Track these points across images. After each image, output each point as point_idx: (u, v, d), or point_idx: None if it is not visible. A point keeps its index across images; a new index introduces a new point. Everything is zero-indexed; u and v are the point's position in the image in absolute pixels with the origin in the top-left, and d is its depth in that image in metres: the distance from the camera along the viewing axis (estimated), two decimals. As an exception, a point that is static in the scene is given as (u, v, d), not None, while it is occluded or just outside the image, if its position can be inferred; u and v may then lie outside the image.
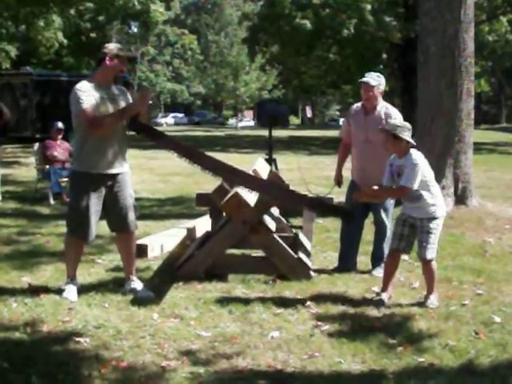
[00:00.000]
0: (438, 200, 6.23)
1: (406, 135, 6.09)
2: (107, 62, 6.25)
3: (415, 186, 6.03)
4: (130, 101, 6.44)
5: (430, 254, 6.15)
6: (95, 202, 6.25)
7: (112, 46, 6.38)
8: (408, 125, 6.22)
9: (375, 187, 6.29)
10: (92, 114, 6.08)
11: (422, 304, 6.14)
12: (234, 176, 6.62)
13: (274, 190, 6.86)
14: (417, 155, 6.13)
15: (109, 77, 6.36)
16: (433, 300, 6.16)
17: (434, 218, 6.16)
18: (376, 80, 7.29)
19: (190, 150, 6.60)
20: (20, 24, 33.45)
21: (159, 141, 6.53)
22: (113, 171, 6.31)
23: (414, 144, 6.18)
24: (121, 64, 6.35)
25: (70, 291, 6.27)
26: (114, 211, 6.40)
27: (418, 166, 6.04)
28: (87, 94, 6.13)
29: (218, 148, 29.99)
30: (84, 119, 6.09)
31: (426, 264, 6.21)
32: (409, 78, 30.91)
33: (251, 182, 6.72)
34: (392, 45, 36.23)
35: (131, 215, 6.49)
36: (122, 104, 6.33)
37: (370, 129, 7.26)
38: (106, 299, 6.20)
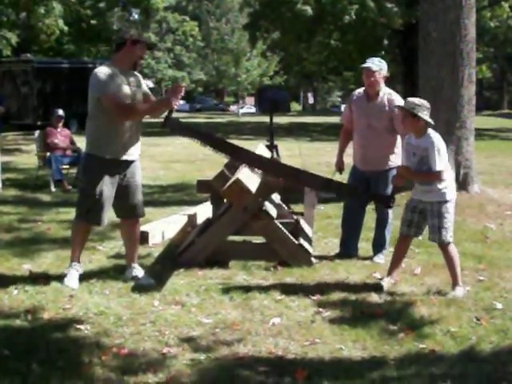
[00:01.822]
0: (449, 182, 6.19)
1: (425, 114, 6.03)
2: (128, 48, 6.23)
3: (444, 167, 6.02)
4: (145, 87, 6.44)
5: (448, 237, 6.11)
6: (109, 188, 6.25)
7: (133, 32, 6.36)
8: (427, 103, 6.13)
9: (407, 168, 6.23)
10: (118, 100, 6.08)
11: (443, 293, 6.09)
12: (276, 170, 6.90)
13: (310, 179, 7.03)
14: (435, 136, 6.08)
15: (128, 62, 6.33)
16: (457, 292, 6.07)
17: (445, 201, 6.11)
18: (377, 65, 7.25)
19: (233, 147, 6.69)
20: (20, 11, 33.34)
21: (198, 138, 6.55)
22: (129, 158, 6.32)
23: (433, 123, 6.12)
24: (141, 50, 6.32)
25: (72, 278, 6.27)
26: (125, 197, 6.40)
27: (439, 145, 6.03)
28: (109, 77, 6.11)
29: (219, 135, 29.96)
30: (110, 103, 6.06)
31: (445, 248, 6.16)
32: (410, 64, 30.82)
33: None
34: (393, 31, 36.07)
35: (141, 201, 6.52)
36: (138, 91, 6.33)
37: (373, 115, 7.24)
38: (106, 286, 6.20)
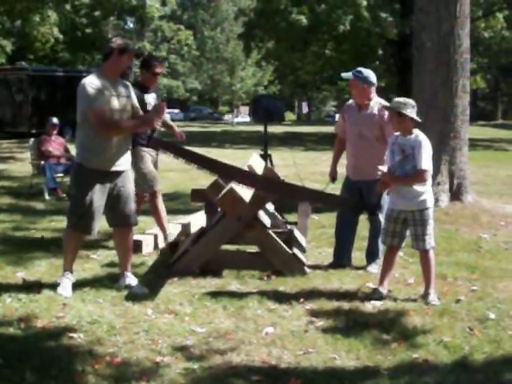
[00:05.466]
0: (429, 188, 6.26)
1: (410, 112, 6.10)
2: (115, 57, 6.22)
3: (429, 167, 6.09)
4: (134, 98, 6.43)
5: (430, 244, 6.22)
6: (99, 197, 6.24)
7: (120, 41, 6.34)
8: (412, 102, 6.23)
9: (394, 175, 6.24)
10: (103, 116, 6.07)
11: (422, 301, 6.11)
12: (265, 186, 6.86)
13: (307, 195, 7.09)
14: (422, 135, 6.17)
15: (116, 71, 6.32)
16: (433, 297, 6.15)
17: (427, 209, 6.19)
18: (361, 75, 7.28)
19: (217, 164, 6.67)
20: (15, 19, 33.37)
21: (182, 156, 6.54)
22: (118, 168, 6.31)
23: (419, 121, 6.21)
24: (129, 59, 6.32)
25: (65, 286, 6.25)
26: (117, 206, 6.39)
27: (427, 145, 6.11)
28: (97, 90, 6.08)
29: (213, 144, 29.97)
30: (94, 119, 6.06)
31: (427, 254, 6.25)
32: (404, 74, 30.89)
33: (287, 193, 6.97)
34: (388, 41, 36.20)
35: (133, 209, 6.52)
36: (128, 102, 6.33)
37: (364, 124, 7.26)
38: (100, 295, 6.19)
